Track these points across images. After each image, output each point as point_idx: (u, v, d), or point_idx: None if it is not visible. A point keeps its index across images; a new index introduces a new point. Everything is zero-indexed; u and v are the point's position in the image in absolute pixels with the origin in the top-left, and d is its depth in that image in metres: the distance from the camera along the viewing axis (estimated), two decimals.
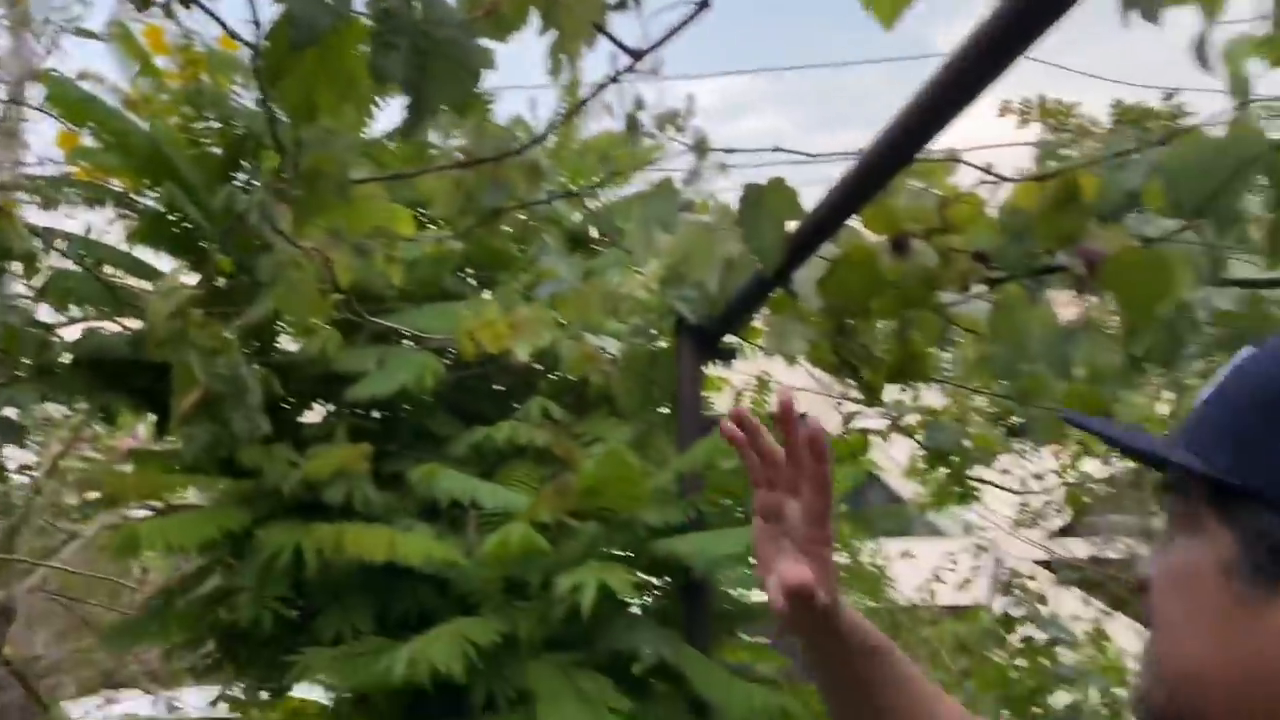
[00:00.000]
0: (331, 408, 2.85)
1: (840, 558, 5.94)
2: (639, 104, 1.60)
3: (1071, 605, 4.31)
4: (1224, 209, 1.53)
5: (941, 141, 1.73)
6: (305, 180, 1.36)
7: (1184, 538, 0.64)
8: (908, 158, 1.55)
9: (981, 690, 2.99)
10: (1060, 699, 2.89)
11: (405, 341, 2.66)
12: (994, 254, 1.76)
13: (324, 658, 2.17)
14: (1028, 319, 2.04)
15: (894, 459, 3.93)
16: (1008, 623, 2.98)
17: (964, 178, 1.74)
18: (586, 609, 1.95)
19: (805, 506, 0.88)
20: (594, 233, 2.90)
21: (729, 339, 2.61)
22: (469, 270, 2.73)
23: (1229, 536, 0.61)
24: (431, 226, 2.11)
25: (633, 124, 1.61)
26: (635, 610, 2.59)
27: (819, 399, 3.20)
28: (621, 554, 2.33)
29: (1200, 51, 1.28)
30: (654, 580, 2.57)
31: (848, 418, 3.12)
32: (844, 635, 0.95)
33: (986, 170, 1.61)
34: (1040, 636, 2.86)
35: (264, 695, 2.91)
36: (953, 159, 1.67)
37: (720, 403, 3.15)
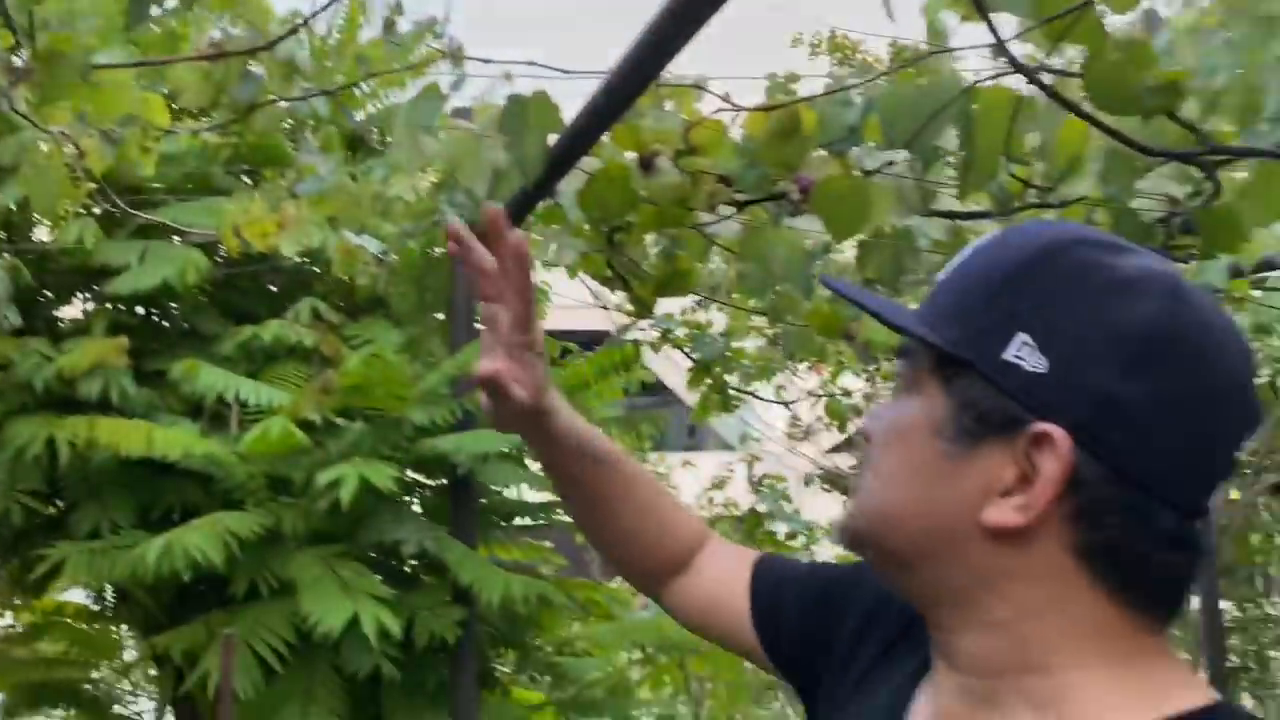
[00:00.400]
0: (92, 302, 2.76)
1: None
2: (398, 8, 1.63)
3: (828, 509, 4.71)
4: (926, 146, 1.73)
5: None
6: (42, 61, 1.33)
7: (907, 398, 0.76)
8: (651, 76, 1.65)
9: None
10: None
11: (174, 238, 2.61)
12: (735, 178, 1.91)
13: (78, 551, 2.15)
14: (774, 240, 2.22)
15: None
16: (755, 518, 3.26)
17: (711, 104, 1.85)
18: (346, 502, 2.02)
19: (510, 312, 1.01)
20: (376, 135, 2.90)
21: None
22: (240, 167, 2.68)
23: (944, 401, 0.72)
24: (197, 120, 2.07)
25: (389, 26, 1.65)
26: (406, 507, 2.68)
27: (597, 310, 3.34)
28: (389, 452, 2.39)
29: (886, 3, 1.44)
30: (422, 478, 2.66)
31: (622, 329, 3.27)
32: (559, 438, 1.09)
33: (725, 99, 1.74)
34: (783, 530, 3.15)
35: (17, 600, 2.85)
36: (696, 86, 1.78)
37: None
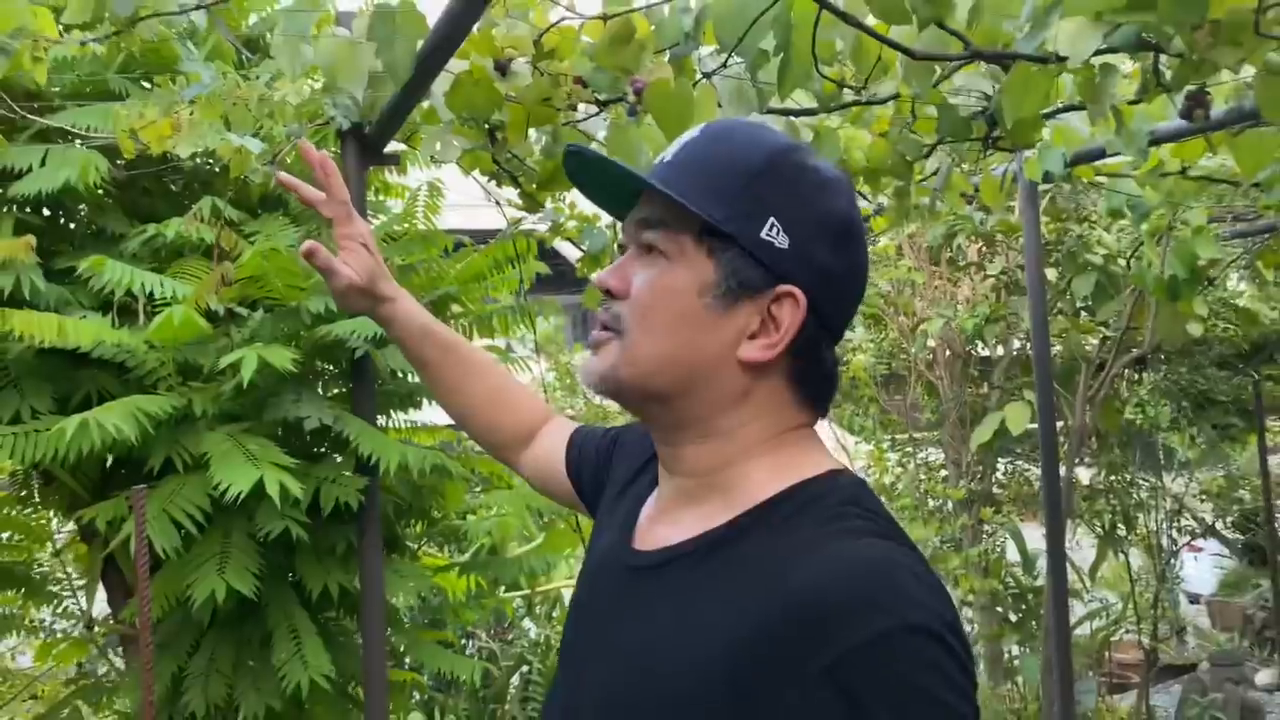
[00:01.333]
0: None
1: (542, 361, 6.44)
2: None
3: None
4: (751, 49, 1.94)
5: None
6: None
7: (666, 263, 0.98)
8: None
9: None
10: None
11: (75, 142, 2.73)
12: (588, 80, 2.11)
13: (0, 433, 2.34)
14: (637, 136, 2.43)
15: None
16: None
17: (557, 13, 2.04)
18: (247, 381, 2.23)
19: (330, 212, 1.38)
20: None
21: (393, 146, 2.86)
22: (135, 72, 2.79)
23: (711, 267, 0.97)
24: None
25: None
26: (309, 388, 2.89)
27: (491, 206, 3.53)
28: (289, 339, 2.60)
29: None
30: (327, 366, 2.87)
31: (515, 222, 3.47)
32: (401, 322, 1.44)
33: (568, 8, 1.93)
34: None
35: None
36: None
37: (397, 208, 3.42)
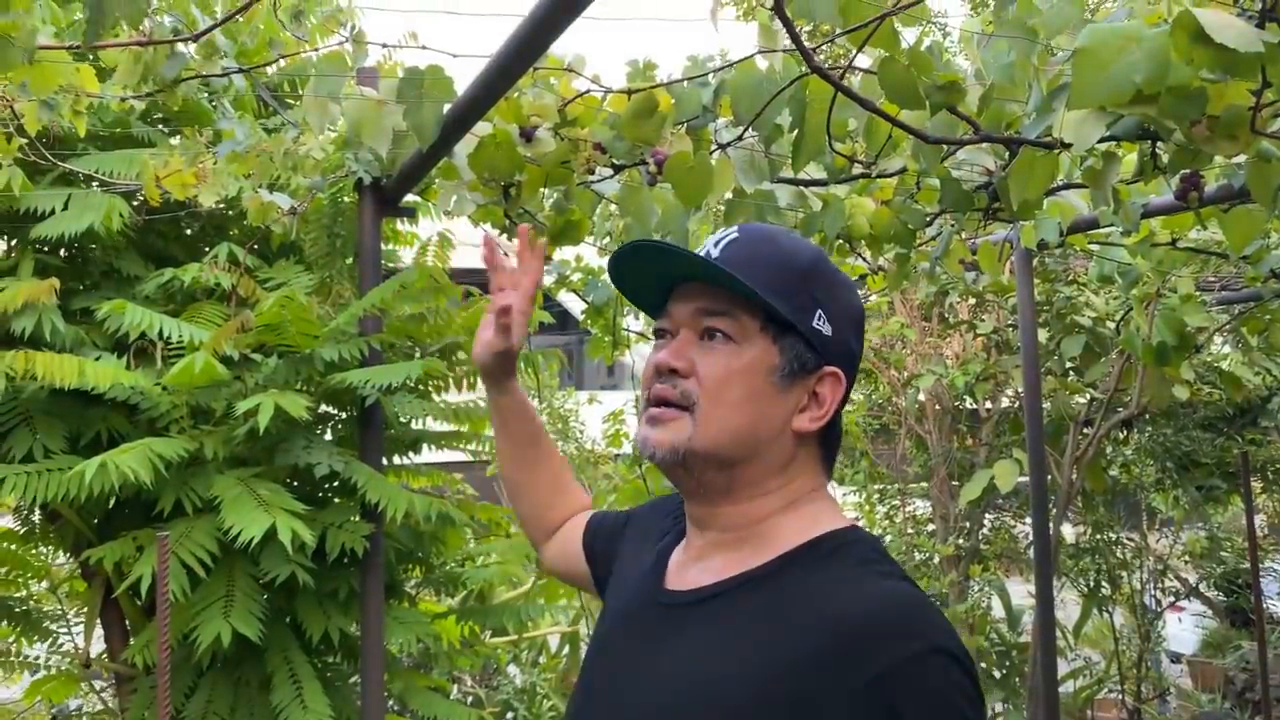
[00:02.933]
0: (14, 244, 2.92)
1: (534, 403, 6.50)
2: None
3: None
4: (767, 124, 2.02)
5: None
6: None
7: (735, 345, 1.08)
8: (528, 64, 1.91)
9: (621, 502, 3.60)
10: None
11: (94, 185, 2.79)
12: (607, 146, 2.18)
13: (14, 473, 2.37)
14: (650, 198, 2.51)
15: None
16: None
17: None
18: (263, 427, 2.27)
19: (522, 293, 1.44)
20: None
21: (409, 198, 2.93)
22: (158, 118, 2.86)
23: (774, 350, 1.07)
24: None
25: (296, 15, 1.87)
26: (318, 435, 2.93)
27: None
28: (301, 385, 2.64)
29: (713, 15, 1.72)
30: (332, 410, 2.91)
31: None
32: (509, 390, 1.51)
33: (594, 80, 2.01)
34: None
35: None
36: (569, 70, 2.04)
37: (407, 256, 3.48)
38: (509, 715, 5.23)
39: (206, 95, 2.59)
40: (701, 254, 1.10)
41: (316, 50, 2.21)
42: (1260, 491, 9.04)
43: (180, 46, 1.76)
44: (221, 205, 2.95)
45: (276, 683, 2.64)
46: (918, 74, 1.70)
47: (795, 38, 1.60)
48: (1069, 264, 5.34)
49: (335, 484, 2.76)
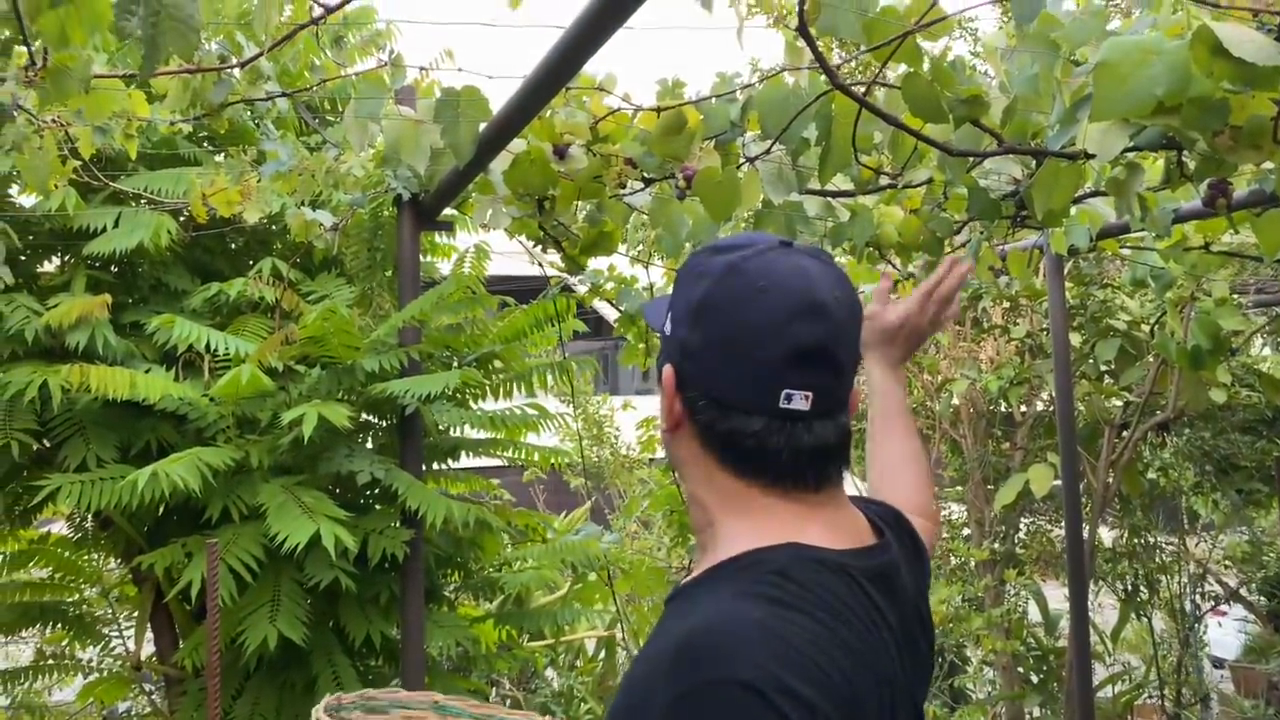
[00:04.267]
0: (70, 261, 3.03)
1: (565, 407, 6.55)
2: (345, 25, 1.91)
3: None
4: (794, 138, 2.06)
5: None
6: (51, 74, 1.62)
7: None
8: (561, 84, 1.97)
9: (655, 508, 3.65)
10: None
11: (142, 203, 2.88)
12: (637, 161, 2.23)
13: (69, 482, 2.46)
14: (681, 210, 2.56)
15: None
16: None
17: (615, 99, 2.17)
18: (307, 437, 2.34)
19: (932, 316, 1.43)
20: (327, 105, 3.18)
21: (446, 212, 3.00)
22: (202, 135, 2.95)
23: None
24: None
25: (337, 41, 1.94)
26: (359, 443, 3.01)
27: (530, 266, 3.66)
28: (343, 395, 2.71)
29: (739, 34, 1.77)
30: (373, 418, 2.98)
31: (556, 282, 3.59)
32: (895, 377, 1.50)
33: (625, 99, 2.06)
34: None
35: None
36: (600, 89, 2.09)
37: (444, 267, 3.55)
38: (546, 718, 5.29)
39: (250, 116, 2.67)
40: None
41: (355, 73, 2.27)
42: None
43: (227, 72, 1.84)
44: (265, 220, 3.04)
45: (320, 685, 2.72)
46: (941, 88, 1.74)
47: (819, 56, 1.64)
48: (1103, 268, 5.33)
49: (376, 491, 2.83)
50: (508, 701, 5.36)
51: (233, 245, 3.17)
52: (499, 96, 2.21)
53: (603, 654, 5.70)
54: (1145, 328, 5.17)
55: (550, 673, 5.72)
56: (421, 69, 2.07)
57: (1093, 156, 1.78)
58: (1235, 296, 4.25)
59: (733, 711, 0.81)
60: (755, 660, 0.84)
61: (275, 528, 2.35)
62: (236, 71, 1.89)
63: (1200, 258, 3.69)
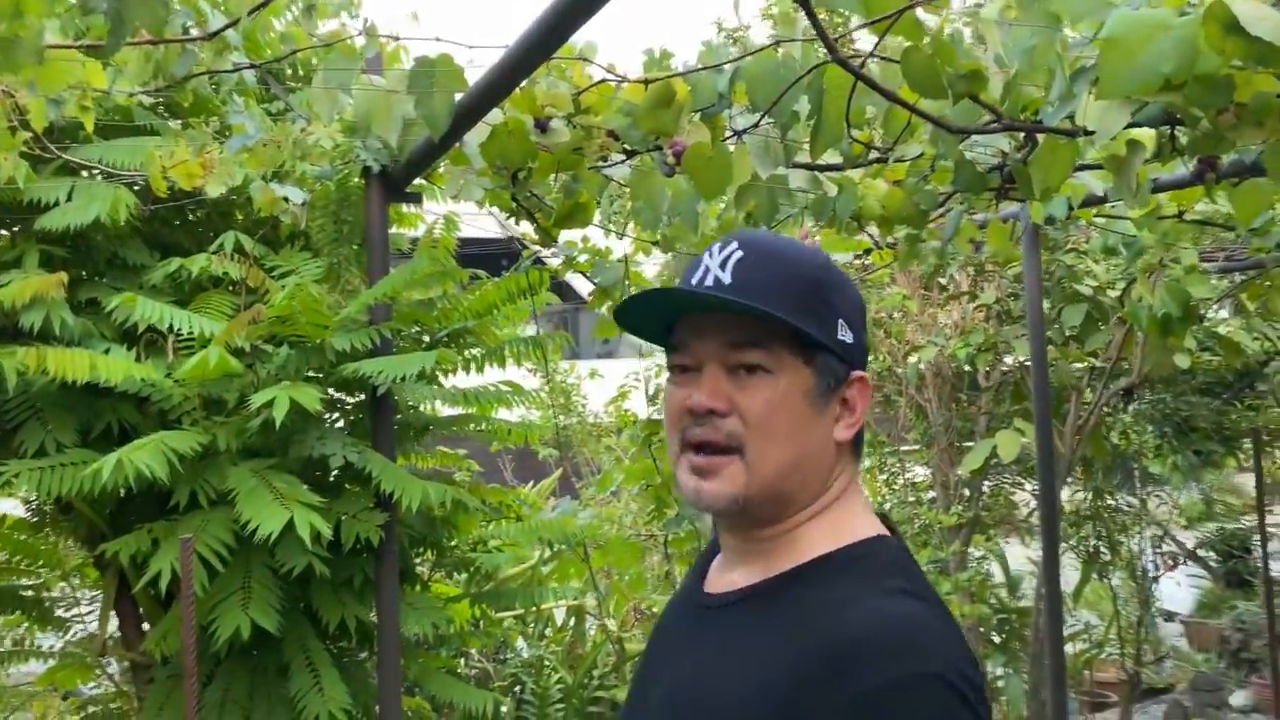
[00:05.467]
0: (17, 235, 2.89)
1: (534, 379, 6.48)
2: None
3: None
4: (785, 111, 2.00)
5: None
6: (0, 44, 1.51)
7: (771, 376, 1.05)
8: (548, 54, 1.89)
9: (630, 482, 3.61)
10: None
11: (96, 174, 2.75)
12: (621, 134, 2.16)
13: (28, 468, 2.36)
14: (661, 183, 2.49)
15: None
16: (651, 426, 3.59)
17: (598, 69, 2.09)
18: (278, 422, 2.26)
19: None
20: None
21: (416, 183, 2.90)
22: (162, 107, 2.82)
23: (808, 372, 1.05)
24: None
25: (309, 8, 1.84)
26: (330, 424, 2.93)
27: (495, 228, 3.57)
28: (313, 375, 2.63)
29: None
30: (344, 397, 2.90)
31: (529, 255, 3.51)
32: None
33: (609, 70, 1.98)
34: None
35: None
36: (583, 59, 2.01)
37: (415, 234, 3.46)
38: (517, 688, 5.27)
39: (213, 87, 2.55)
40: (709, 275, 1.06)
41: (327, 42, 2.16)
42: (1250, 453, 9.09)
43: (191, 44, 1.73)
44: (227, 193, 2.91)
45: (294, 670, 2.66)
46: (941, 63, 1.69)
47: (819, 28, 1.58)
48: (1069, 233, 5.33)
49: (348, 473, 2.75)
50: (474, 672, 5.34)
51: (192, 218, 3.05)
52: (472, 64, 2.12)
53: (572, 622, 5.69)
54: (1111, 293, 5.20)
55: (520, 643, 5.70)
56: (396, 40, 1.97)
57: (1092, 134, 1.73)
58: (1202, 264, 4.27)
59: (934, 703, 0.87)
60: (939, 652, 0.91)
61: (247, 514, 2.28)
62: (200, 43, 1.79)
63: (1172, 226, 3.69)
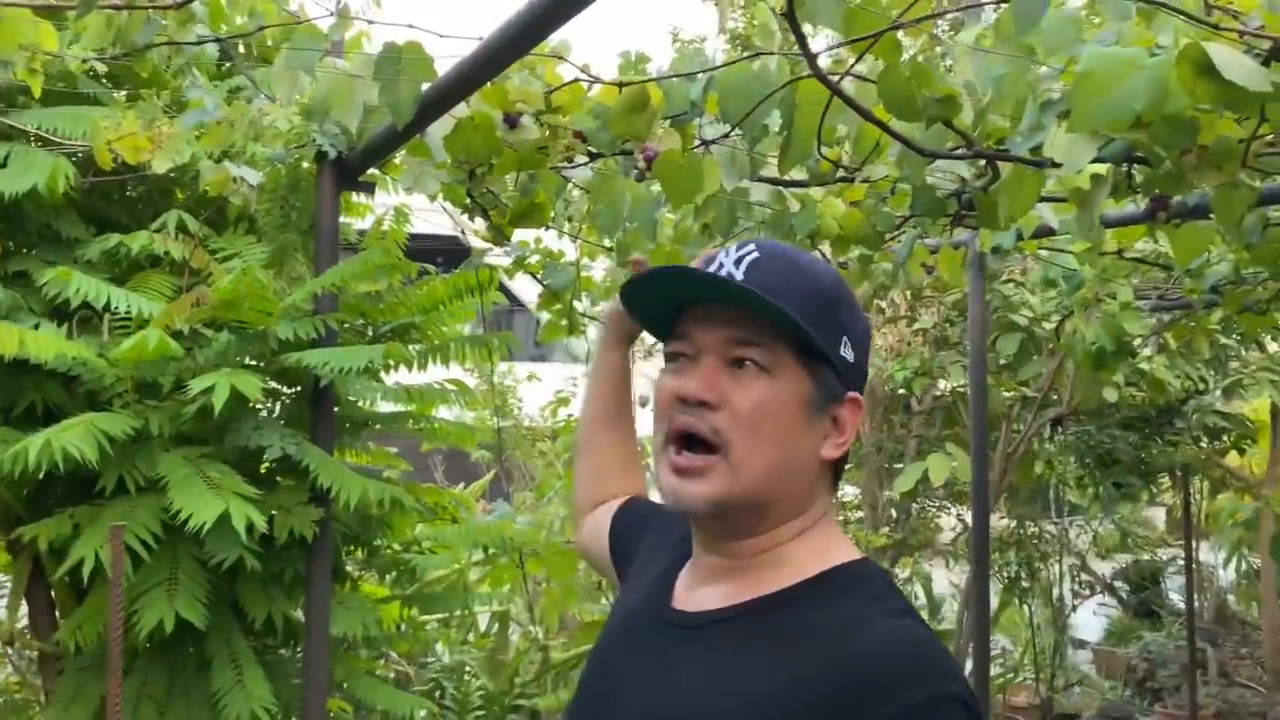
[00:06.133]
0: None
1: (473, 379, 6.40)
2: None
3: None
4: (755, 124, 2.00)
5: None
6: None
7: (769, 377, 1.03)
8: (523, 52, 1.86)
9: (571, 486, 3.57)
10: None
11: (32, 141, 2.64)
12: (589, 136, 2.13)
13: None
14: (623, 187, 2.46)
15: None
16: None
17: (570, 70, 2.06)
18: (217, 409, 2.18)
19: None
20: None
21: (370, 172, 2.84)
22: (111, 76, 2.71)
23: (808, 381, 1.03)
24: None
25: None
26: (269, 414, 2.84)
27: (456, 232, 3.52)
28: (254, 363, 2.55)
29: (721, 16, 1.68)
30: (283, 388, 2.82)
31: (480, 253, 3.46)
32: (626, 351, 1.46)
33: (583, 69, 1.96)
34: None
35: None
36: (557, 56, 1.99)
37: (363, 226, 3.38)
38: (437, 693, 5.18)
39: (169, 59, 2.46)
40: (723, 271, 1.05)
41: (298, 20, 2.10)
42: (1166, 488, 9.37)
43: (154, 12, 1.67)
44: (171, 170, 2.82)
45: (216, 666, 2.57)
46: (917, 86, 1.69)
47: (803, 43, 1.57)
48: (1007, 264, 5.44)
49: (284, 465, 2.67)
50: (393, 675, 5.24)
51: (131, 194, 2.94)
52: (442, 54, 2.08)
53: (495, 628, 5.62)
54: (1046, 325, 5.32)
55: (440, 647, 5.61)
56: (370, 23, 1.92)
57: (1059, 166, 1.76)
58: (1136, 302, 4.38)
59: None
60: (956, 673, 0.94)
61: (179, 503, 2.19)
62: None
63: (1112, 262, 3.79)
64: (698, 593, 1.10)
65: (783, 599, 1.02)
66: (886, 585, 1.04)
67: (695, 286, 1.04)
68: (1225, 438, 6.96)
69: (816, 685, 0.92)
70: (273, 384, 2.82)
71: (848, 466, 1.18)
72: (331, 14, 1.89)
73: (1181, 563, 7.97)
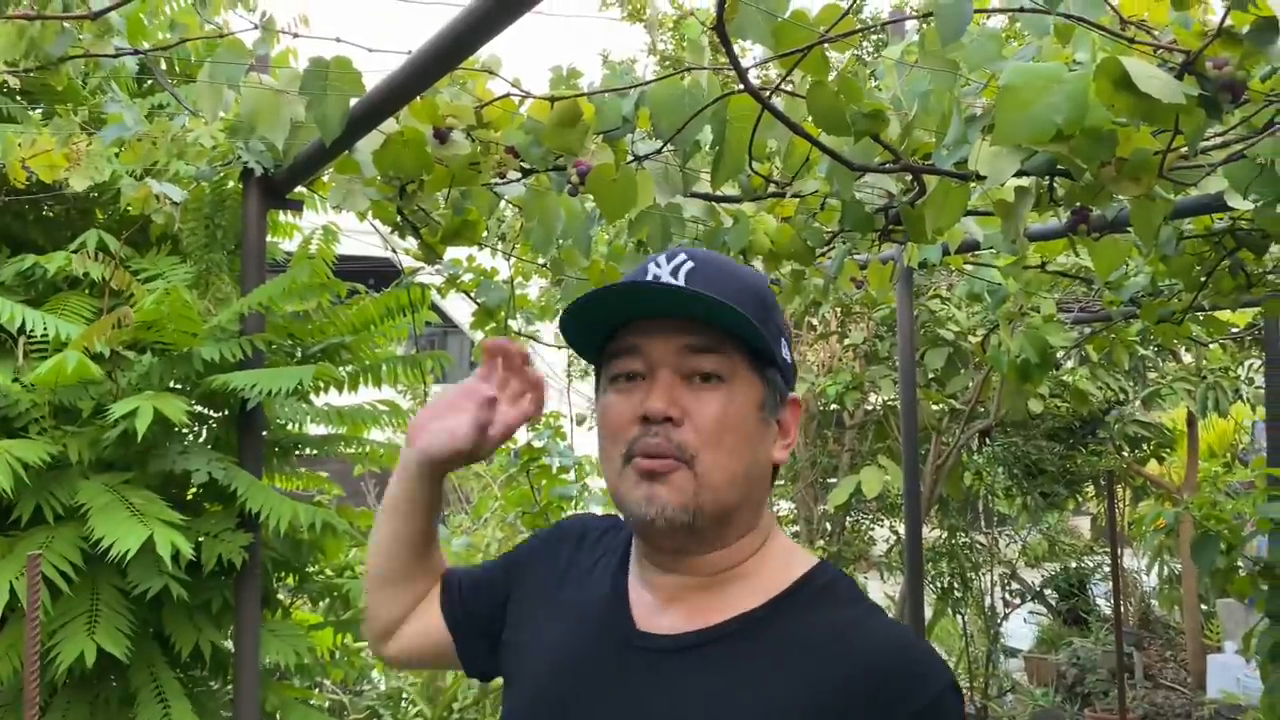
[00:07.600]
0: None
1: (405, 400, 6.31)
2: None
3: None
4: (686, 140, 2.01)
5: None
6: None
7: (726, 386, 1.01)
8: (452, 66, 1.84)
9: (509, 507, 3.55)
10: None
11: None
12: (521, 151, 2.12)
13: None
14: (556, 204, 2.46)
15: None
16: (531, 451, 3.54)
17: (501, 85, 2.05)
18: (141, 434, 2.12)
19: (521, 410, 1.19)
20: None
21: (298, 190, 2.79)
22: (16, 91, 2.63)
23: (761, 386, 1.02)
24: None
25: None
26: (194, 438, 2.77)
27: (386, 253, 3.48)
28: (178, 385, 2.48)
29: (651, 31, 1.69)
30: (209, 411, 2.75)
31: (411, 272, 3.42)
32: (434, 492, 1.26)
33: (514, 84, 1.95)
34: (557, 463, 3.44)
35: None
36: (488, 71, 1.98)
37: (289, 246, 3.32)
38: None
39: (85, 73, 2.40)
40: (661, 282, 1.02)
41: (221, 34, 2.06)
42: (1090, 497, 9.60)
43: (69, 23, 1.62)
44: (89, 189, 2.75)
45: (141, 700, 2.48)
46: (845, 100, 1.72)
47: (734, 58, 1.59)
48: (933, 279, 5.55)
49: (211, 490, 2.60)
50: (328, 705, 5.12)
51: (48, 213, 2.85)
52: (369, 68, 2.05)
53: None
54: (971, 339, 5.43)
55: (375, 675, 5.50)
56: (295, 36, 1.89)
57: (984, 179, 1.79)
58: (1059, 314, 4.50)
59: (959, 711, 0.95)
60: (945, 662, 0.98)
61: (100, 531, 2.12)
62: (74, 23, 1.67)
63: (1035, 276, 3.88)
64: (665, 614, 1.05)
65: (767, 613, 1.01)
66: (851, 584, 1.06)
67: (646, 300, 1.00)
68: (1145, 446, 7.17)
69: (824, 695, 0.93)
70: (199, 407, 2.75)
71: (779, 482, 1.18)
72: (256, 27, 1.85)
73: (1107, 569, 8.17)
